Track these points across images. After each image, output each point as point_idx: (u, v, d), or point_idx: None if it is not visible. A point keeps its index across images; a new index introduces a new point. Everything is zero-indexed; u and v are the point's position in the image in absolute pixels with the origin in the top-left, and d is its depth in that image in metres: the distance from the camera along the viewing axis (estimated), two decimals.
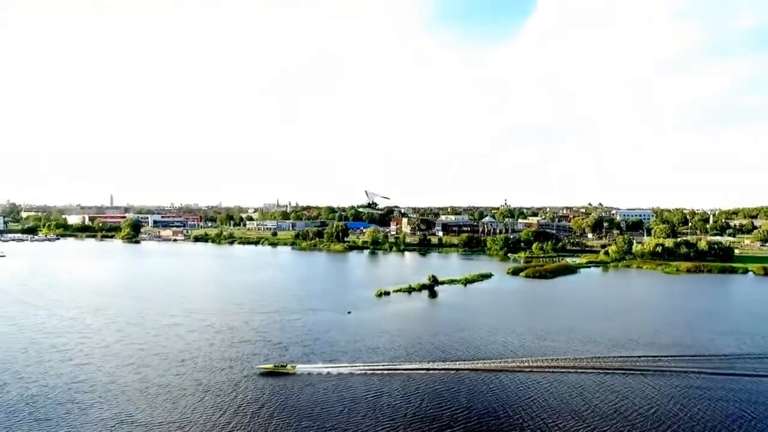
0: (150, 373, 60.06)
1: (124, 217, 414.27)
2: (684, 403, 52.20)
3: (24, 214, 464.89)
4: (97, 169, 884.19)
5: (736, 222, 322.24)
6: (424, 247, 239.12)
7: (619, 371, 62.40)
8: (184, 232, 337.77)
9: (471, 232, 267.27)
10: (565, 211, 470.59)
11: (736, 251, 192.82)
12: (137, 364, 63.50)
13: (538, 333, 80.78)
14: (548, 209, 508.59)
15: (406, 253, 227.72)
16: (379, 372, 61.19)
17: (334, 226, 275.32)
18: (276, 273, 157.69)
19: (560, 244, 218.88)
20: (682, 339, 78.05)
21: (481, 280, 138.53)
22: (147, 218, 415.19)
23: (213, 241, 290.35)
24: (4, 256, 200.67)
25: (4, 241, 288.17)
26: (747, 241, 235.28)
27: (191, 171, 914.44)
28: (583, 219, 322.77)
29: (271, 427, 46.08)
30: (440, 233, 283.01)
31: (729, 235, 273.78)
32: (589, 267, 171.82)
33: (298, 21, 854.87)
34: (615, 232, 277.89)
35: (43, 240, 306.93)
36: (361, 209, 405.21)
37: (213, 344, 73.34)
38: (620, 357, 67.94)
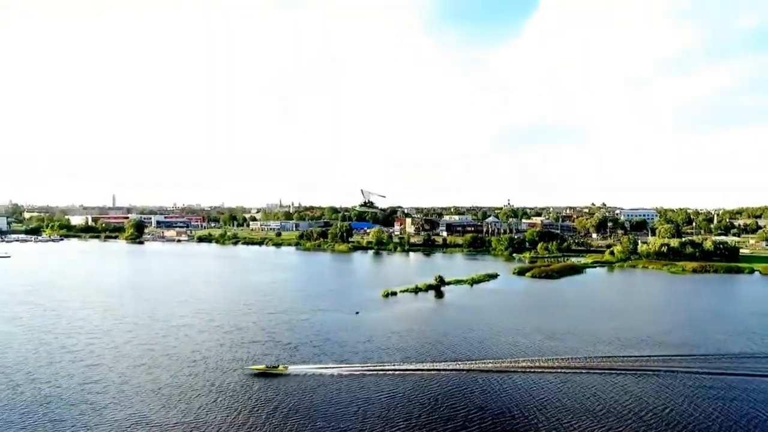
0: (162, 374, 60.06)
1: (127, 217, 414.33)
2: (698, 404, 52.03)
3: (27, 215, 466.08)
4: (98, 169, 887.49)
5: (740, 222, 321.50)
6: (428, 248, 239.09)
7: (630, 371, 62.26)
8: (188, 232, 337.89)
9: (475, 233, 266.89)
10: (568, 211, 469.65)
11: (742, 251, 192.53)
12: (149, 365, 63.51)
13: (547, 333, 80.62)
14: (551, 209, 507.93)
15: (411, 253, 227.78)
16: (390, 373, 61.16)
17: (339, 226, 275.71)
18: (282, 273, 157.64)
19: (565, 244, 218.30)
20: (692, 339, 77.86)
21: (488, 281, 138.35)
22: (150, 219, 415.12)
23: (217, 242, 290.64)
24: (9, 256, 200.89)
25: (8, 241, 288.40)
26: (752, 241, 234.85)
27: (191, 171, 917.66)
28: (587, 219, 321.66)
29: (287, 428, 46.04)
30: (444, 233, 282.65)
31: (733, 234, 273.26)
32: (595, 267, 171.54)
33: (298, 21, 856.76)
34: (619, 232, 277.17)
35: (47, 241, 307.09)
36: (359, 209, 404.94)
37: (223, 345, 73.33)
38: (631, 357, 67.80)
